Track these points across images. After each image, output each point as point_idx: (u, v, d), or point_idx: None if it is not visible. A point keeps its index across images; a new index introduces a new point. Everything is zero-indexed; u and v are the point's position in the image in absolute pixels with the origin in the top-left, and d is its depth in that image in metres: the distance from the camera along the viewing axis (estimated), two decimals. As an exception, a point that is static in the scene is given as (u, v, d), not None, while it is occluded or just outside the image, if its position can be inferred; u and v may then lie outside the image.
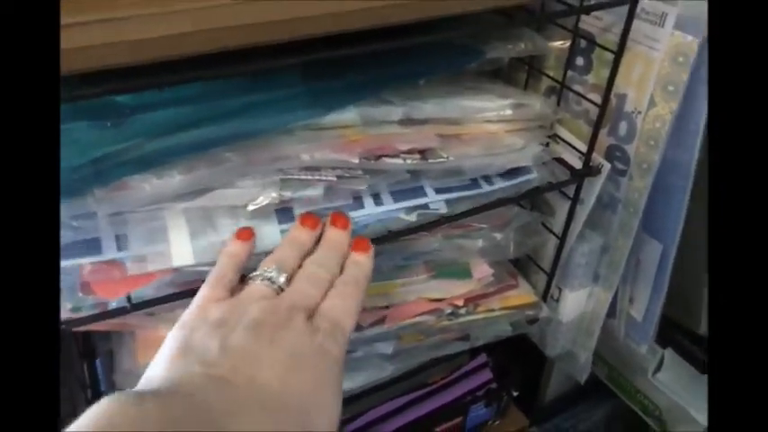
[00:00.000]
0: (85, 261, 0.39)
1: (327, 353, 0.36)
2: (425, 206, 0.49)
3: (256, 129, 0.40)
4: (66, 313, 0.45)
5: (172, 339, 0.36)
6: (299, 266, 0.41)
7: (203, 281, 0.41)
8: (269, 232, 0.42)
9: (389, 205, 0.48)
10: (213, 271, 0.40)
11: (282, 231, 0.43)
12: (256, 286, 0.39)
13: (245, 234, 0.41)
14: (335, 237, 0.43)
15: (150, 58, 0.35)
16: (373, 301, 0.56)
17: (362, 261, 0.43)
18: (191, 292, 0.45)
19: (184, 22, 0.35)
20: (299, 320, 0.36)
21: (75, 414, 0.46)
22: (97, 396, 0.54)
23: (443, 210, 0.49)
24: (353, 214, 0.46)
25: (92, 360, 0.57)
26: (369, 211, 0.47)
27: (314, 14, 0.38)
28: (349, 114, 0.47)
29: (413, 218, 0.48)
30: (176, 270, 0.41)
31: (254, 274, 0.40)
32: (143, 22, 0.35)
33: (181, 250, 0.40)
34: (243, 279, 0.41)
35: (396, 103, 0.49)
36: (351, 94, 0.46)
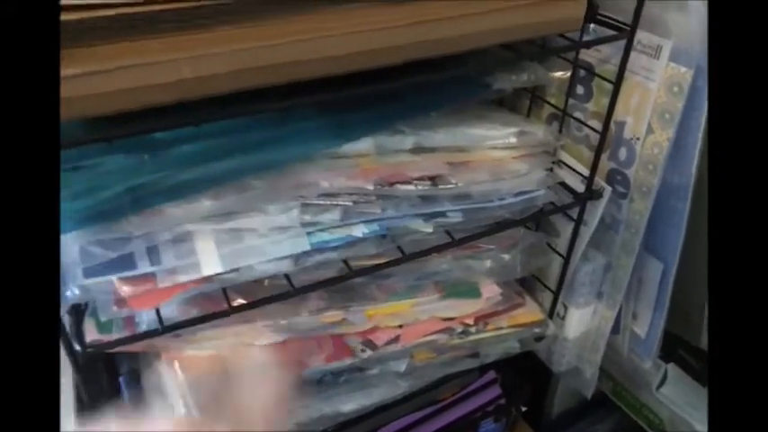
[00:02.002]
0: (121, 275, 0.42)
1: None
2: (442, 214, 0.51)
3: (279, 159, 0.44)
4: (95, 335, 0.48)
5: None
6: None
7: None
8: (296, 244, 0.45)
9: (408, 211, 0.50)
10: None
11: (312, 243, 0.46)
12: None
13: None
14: None
15: (180, 99, 0.38)
16: (387, 320, 0.58)
17: None
18: (216, 315, 0.48)
19: (212, 65, 0.38)
20: None
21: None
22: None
23: (459, 218, 0.52)
24: (376, 217, 0.49)
25: (115, 378, 0.59)
26: (390, 215, 0.49)
27: (335, 55, 0.41)
28: (364, 144, 0.50)
29: (429, 228, 0.51)
30: (207, 279, 0.43)
31: None
32: (171, 67, 0.37)
33: (209, 260, 0.43)
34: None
35: (407, 132, 0.52)
36: (366, 125, 0.49)
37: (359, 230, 0.48)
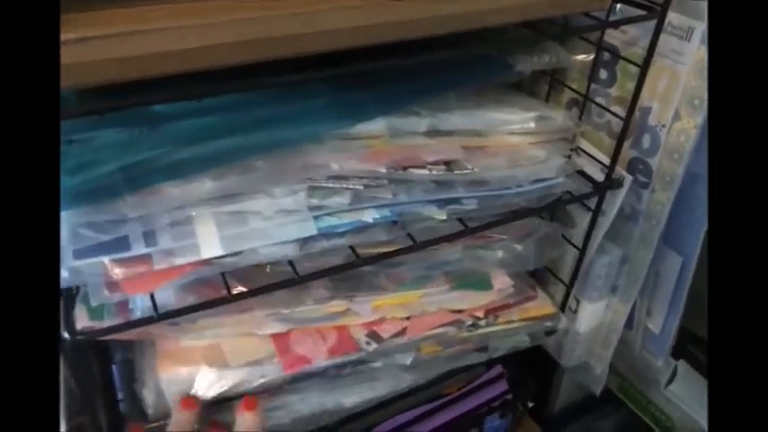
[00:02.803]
0: (113, 257, 0.39)
1: None
2: (457, 200, 0.49)
3: (286, 138, 0.40)
4: (86, 322, 0.45)
5: None
6: None
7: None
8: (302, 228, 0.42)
9: (421, 196, 0.48)
10: None
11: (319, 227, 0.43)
12: None
13: (188, 403, 0.46)
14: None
15: (185, 69, 0.34)
16: (394, 311, 0.55)
17: None
18: (214, 302, 0.45)
19: (220, 34, 0.34)
20: None
21: (98, 425, 0.45)
22: (113, 404, 0.54)
23: (474, 206, 0.49)
24: (386, 202, 0.46)
25: (108, 368, 0.56)
26: (402, 200, 0.46)
27: (348, 27, 0.38)
28: (377, 125, 0.47)
29: (443, 215, 0.48)
30: (206, 262, 0.41)
31: None
32: (176, 35, 0.34)
33: (209, 242, 0.40)
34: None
35: (422, 114, 0.49)
36: (379, 105, 0.46)
37: (369, 216, 0.45)
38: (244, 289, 0.46)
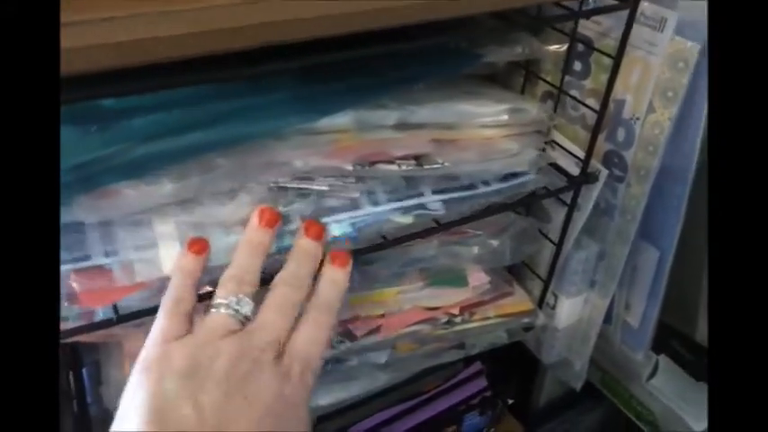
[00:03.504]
0: (71, 267, 0.38)
1: (299, 401, 0.36)
2: (422, 206, 0.48)
3: (248, 133, 0.39)
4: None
5: (140, 390, 0.34)
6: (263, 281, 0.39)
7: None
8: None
9: (385, 205, 0.46)
10: (168, 293, 0.38)
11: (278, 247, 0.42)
12: (220, 318, 0.37)
13: (199, 246, 0.39)
14: (308, 248, 0.41)
15: (140, 61, 0.33)
16: (368, 309, 0.54)
17: (339, 279, 0.41)
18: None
19: (178, 24, 0.33)
20: (269, 365, 0.35)
21: (59, 427, 0.44)
22: (83, 408, 0.53)
23: (440, 211, 0.48)
24: (348, 215, 0.45)
25: (78, 370, 0.55)
26: (365, 212, 0.45)
27: (310, 16, 0.37)
28: (343, 119, 0.45)
29: (409, 219, 0.47)
30: (166, 278, 0.39)
31: (216, 301, 0.37)
32: (133, 24, 0.33)
33: (170, 256, 0.39)
34: (201, 299, 0.39)
35: (390, 107, 0.48)
36: (345, 98, 0.45)
37: (330, 232, 0.43)
38: (209, 289, 0.45)
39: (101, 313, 0.44)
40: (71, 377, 0.55)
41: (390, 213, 0.46)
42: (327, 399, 0.56)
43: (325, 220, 0.44)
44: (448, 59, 0.49)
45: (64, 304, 0.38)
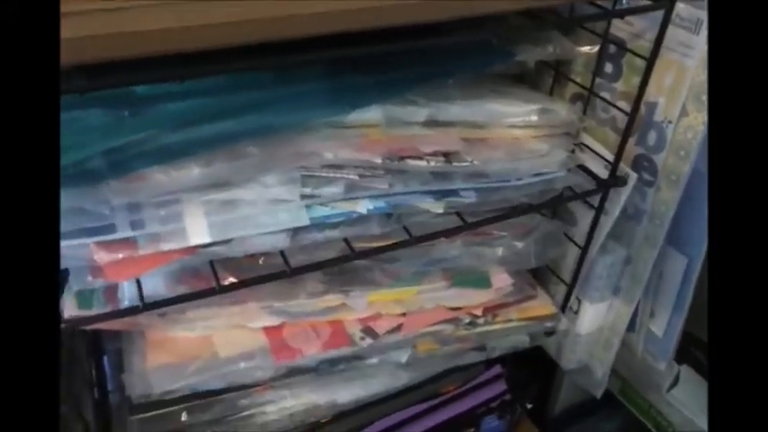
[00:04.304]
0: (97, 240, 0.38)
1: None
2: (454, 193, 0.47)
3: (279, 124, 0.39)
4: (74, 311, 0.44)
5: None
6: None
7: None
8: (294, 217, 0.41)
9: (418, 188, 0.46)
10: None
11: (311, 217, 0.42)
12: None
13: None
14: None
15: (171, 50, 0.33)
16: (390, 307, 0.54)
17: None
18: (203, 293, 0.44)
19: (209, 13, 0.33)
20: None
21: (80, 414, 0.44)
22: (104, 396, 0.53)
23: (472, 199, 0.48)
24: (382, 192, 0.45)
25: (99, 358, 0.56)
26: (397, 190, 0.45)
27: (343, 10, 0.37)
28: (372, 113, 0.45)
29: (440, 207, 0.47)
30: (193, 250, 0.39)
31: None
32: (164, 12, 0.33)
33: (197, 228, 0.39)
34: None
35: (420, 103, 0.48)
36: (376, 92, 0.44)
37: (363, 206, 0.44)
38: (234, 280, 0.45)
39: (126, 301, 0.45)
40: (92, 365, 0.55)
41: (423, 197, 0.45)
42: (347, 396, 0.55)
43: (357, 195, 0.43)
44: (479, 56, 0.48)
45: (87, 278, 0.38)
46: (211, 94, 0.37)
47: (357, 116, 0.44)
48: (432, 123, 0.49)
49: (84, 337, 0.53)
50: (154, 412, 0.49)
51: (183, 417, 0.50)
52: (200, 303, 0.47)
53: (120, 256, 0.38)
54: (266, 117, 0.39)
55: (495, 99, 0.52)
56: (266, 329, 0.51)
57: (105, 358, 0.55)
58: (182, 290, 0.45)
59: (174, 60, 0.34)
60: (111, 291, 0.45)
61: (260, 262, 0.46)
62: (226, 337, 0.50)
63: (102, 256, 0.38)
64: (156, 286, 0.45)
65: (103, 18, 0.32)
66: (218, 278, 0.44)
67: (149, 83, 0.35)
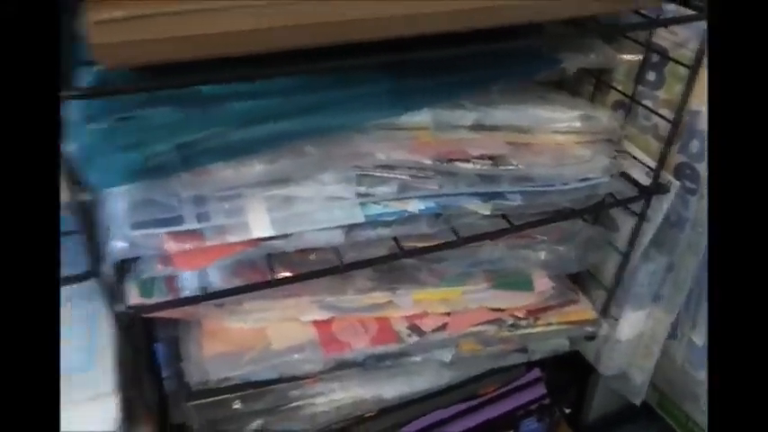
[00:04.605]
0: (167, 230, 0.40)
1: None
2: (501, 195, 0.49)
3: (337, 125, 0.42)
4: (137, 299, 0.47)
5: None
6: None
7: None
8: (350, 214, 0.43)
9: (466, 189, 0.48)
10: None
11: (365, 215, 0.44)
12: None
13: None
14: None
15: (243, 51, 0.36)
16: (435, 306, 0.56)
17: None
18: (260, 285, 0.46)
19: (274, 17, 0.36)
20: None
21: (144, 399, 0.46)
22: (160, 382, 0.55)
23: (518, 202, 0.49)
24: (431, 193, 0.47)
25: (151, 346, 0.58)
26: (446, 191, 0.47)
27: (398, 14, 0.39)
28: (423, 116, 0.47)
29: (487, 209, 0.48)
30: (255, 243, 0.42)
31: None
32: (235, 15, 0.36)
33: (259, 222, 0.41)
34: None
35: (468, 107, 0.50)
36: (429, 95, 0.47)
37: (414, 206, 0.46)
38: (288, 274, 0.47)
39: (186, 291, 0.47)
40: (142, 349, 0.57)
41: (471, 198, 0.47)
42: (392, 392, 0.57)
43: (409, 195, 0.45)
44: (527, 63, 0.50)
45: (157, 267, 0.41)
46: (275, 94, 0.40)
47: (408, 118, 0.46)
48: (478, 127, 0.51)
49: (138, 326, 0.56)
50: (210, 399, 0.51)
51: (237, 405, 0.52)
52: (255, 295, 0.49)
53: (189, 246, 0.41)
54: (326, 118, 0.41)
55: (539, 105, 0.54)
56: (316, 323, 0.53)
57: (158, 346, 0.58)
58: (237, 282, 0.47)
59: (242, 62, 0.37)
60: (171, 281, 0.48)
61: (312, 257, 0.48)
62: (278, 329, 0.52)
63: (171, 246, 0.40)
64: (213, 277, 0.48)
65: (189, 20, 0.35)
66: (273, 271, 0.46)
67: (218, 83, 0.38)
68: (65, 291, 0.49)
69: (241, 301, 0.51)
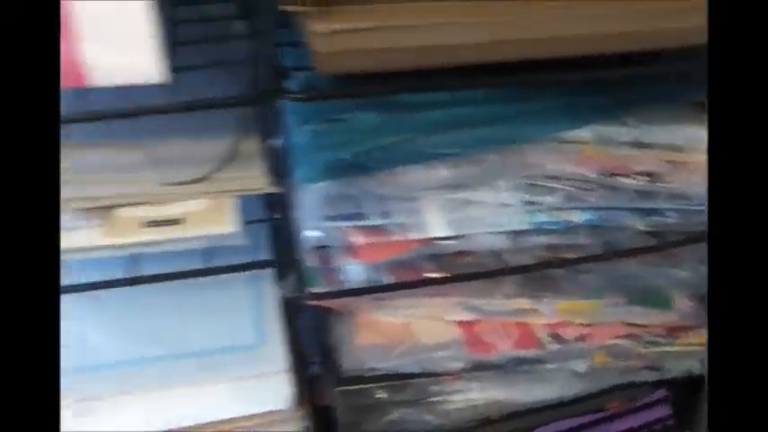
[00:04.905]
0: (355, 224, 0.44)
1: None
2: (659, 212, 0.50)
3: (518, 136, 0.44)
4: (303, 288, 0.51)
5: None
6: None
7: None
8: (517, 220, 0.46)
9: (626, 204, 0.49)
10: None
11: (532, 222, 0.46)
12: None
13: None
14: None
15: (441, 63, 0.39)
16: (575, 317, 0.57)
17: None
18: (416, 283, 0.49)
19: (479, 33, 0.38)
20: None
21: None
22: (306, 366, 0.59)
23: (674, 219, 0.50)
24: (592, 205, 0.48)
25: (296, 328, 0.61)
26: (607, 204, 0.48)
27: (585, 34, 0.41)
28: (587, 131, 0.49)
29: (643, 225, 0.49)
30: (429, 241, 0.45)
31: None
32: (438, 30, 0.39)
33: (437, 222, 0.44)
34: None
35: (630, 124, 0.50)
36: (592, 112, 0.48)
37: (578, 217, 0.47)
38: (445, 274, 0.49)
39: (350, 283, 0.50)
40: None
41: (628, 213, 0.48)
42: (524, 397, 0.58)
43: (572, 205, 0.47)
44: (693, 84, 0.50)
45: (343, 256, 0.44)
46: (465, 105, 0.43)
47: (574, 133, 0.48)
48: (637, 144, 0.51)
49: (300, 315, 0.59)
50: (358, 386, 0.54)
51: (380, 394, 0.55)
52: (407, 293, 0.52)
53: (373, 240, 0.44)
54: (508, 129, 0.43)
55: (695, 124, 0.54)
56: (461, 323, 0.55)
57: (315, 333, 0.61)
58: (392, 278, 0.50)
59: (438, 73, 0.39)
60: (330, 273, 0.51)
61: (467, 259, 0.51)
62: (425, 325, 0.55)
63: (359, 239, 0.44)
64: (370, 273, 0.50)
65: (391, 34, 0.38)
66: (428, 271, 0.49)
67: (414, 91, 0.41)
68: (238, 275, 0.53)
69: (394, 296, 0.53)
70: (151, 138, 0.46)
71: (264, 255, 0.53)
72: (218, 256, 0.49)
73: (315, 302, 0.51)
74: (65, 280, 0.45)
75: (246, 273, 0.52)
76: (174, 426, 0.48)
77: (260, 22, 0.44)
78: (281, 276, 0.51)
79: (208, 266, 0.47)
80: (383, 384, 0.55)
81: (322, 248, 0.45)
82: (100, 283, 0.46)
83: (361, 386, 0.54)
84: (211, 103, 0.38)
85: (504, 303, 0.55)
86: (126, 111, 0.39)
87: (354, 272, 0.49)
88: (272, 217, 0.51)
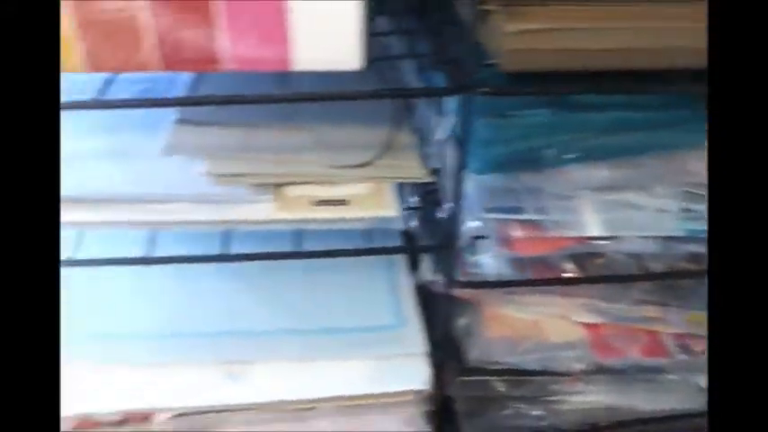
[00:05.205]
0: (512, 217, 0.45)
1: None
2: None
3: (679, 143, 0.44)
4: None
5: None
6: None
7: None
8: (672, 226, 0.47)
9: None
10: None
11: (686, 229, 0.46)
12: None
13: None
14: None
15: (618, 67, 0.40)
16: (701, 329, 0.57)
17: None
18: (563, 280, 0.50)
19: (654, 38, 0.40)
20: None
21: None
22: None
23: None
24: None
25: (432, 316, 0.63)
26: None
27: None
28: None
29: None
30: (582, 240, 0.46)
31: None
32: (619, 35, 0.40)
33: (593, 222, 0.45)
34: None
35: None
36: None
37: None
38: (580, 274, 0.50)
39: (488, 275, 0.52)
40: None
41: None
42: (643, 406, 0.59)
43: None
44: None
45: (496, 248, 0.46)
46: (634, 109, 0.44)
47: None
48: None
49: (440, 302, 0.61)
50: (482, 377, 0.55)
51: (501, 388, 0.56)
52: (539, 290, 0.53)
53: (529, 234, 0.45)
54: (673, 135, 0.44)
55: None
56: (586, 325, 0.56)
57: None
58: (529, 274, 0.51)
59: (610, 76, 0.40)
60: (466, 264, 0.53)
61: (599, 261, 0.51)
62: (551, 324, 0.55)
63: (517, 232, 0.45)
64: (509, 266, 0.52)
65: (568, 36, 0.39)
66: (565, 270, 0.50)
67: (602, 93, 0.42)
68: (376, 259, 0.56)
69: (525, 292, 0.54)
70: (321, 123, 0.49)
71: (399, 242, 0.56)
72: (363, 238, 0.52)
73: (451, 291, 0.52)
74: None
75: (383, 257, 0.54)
76: (315, 396, 0.50)
77: (432, 18, 0.46)
78: (425, 262, 0.53)
79: (369, 246, 0.51)
80: (505, 378, 0.56)
81: (478, 238, 0.47)
82: (261, 254, 0.49)
83: (485, 378, 0.56)
84: (411, 93, 0.40)
85: (632, 309, 0.55)
86: (328, 94, 0.41)
87: (490, 265, 0.51)
88: (424, 205, 0.53)
